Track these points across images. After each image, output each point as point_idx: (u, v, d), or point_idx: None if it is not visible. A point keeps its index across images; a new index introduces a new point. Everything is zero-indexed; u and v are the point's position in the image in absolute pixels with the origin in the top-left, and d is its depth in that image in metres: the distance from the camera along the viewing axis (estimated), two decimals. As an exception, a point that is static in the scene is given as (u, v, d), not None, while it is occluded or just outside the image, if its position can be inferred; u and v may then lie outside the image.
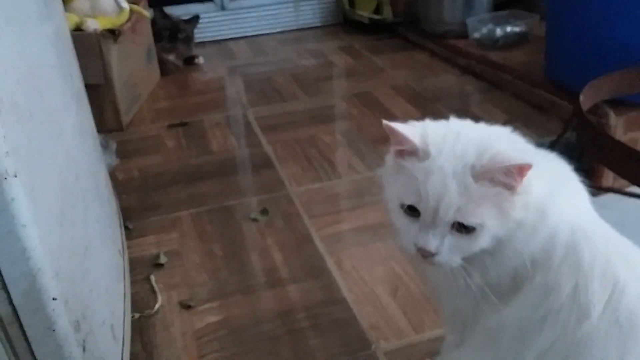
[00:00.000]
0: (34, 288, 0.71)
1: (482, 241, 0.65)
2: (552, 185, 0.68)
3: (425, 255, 0.66)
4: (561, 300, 0.67)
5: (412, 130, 0.68)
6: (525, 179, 0.63)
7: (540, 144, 1.60)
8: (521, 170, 0.62)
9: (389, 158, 0.71)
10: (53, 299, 0.73)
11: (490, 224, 0.64)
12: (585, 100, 1.50)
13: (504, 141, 0.68)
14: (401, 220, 0.68)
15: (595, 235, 0.69)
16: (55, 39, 1.06)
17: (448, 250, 0.66)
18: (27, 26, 0.86)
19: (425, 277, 0.81)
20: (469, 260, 0.68)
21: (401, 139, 0.67)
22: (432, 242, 0.65)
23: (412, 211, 0.67)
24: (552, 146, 1.66)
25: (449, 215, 0.64)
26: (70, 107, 1.03)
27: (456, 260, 0.67)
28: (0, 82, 0.66)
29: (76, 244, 0.87)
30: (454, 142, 0.66)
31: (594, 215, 0.74)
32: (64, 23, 1.27)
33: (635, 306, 0.64)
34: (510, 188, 0.63)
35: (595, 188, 1.76)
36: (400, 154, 0.68)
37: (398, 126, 0.67)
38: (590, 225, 0.71)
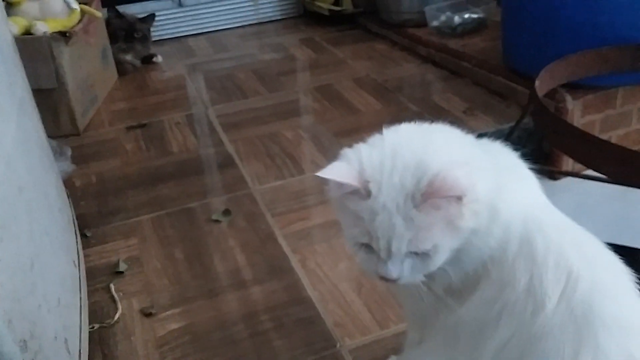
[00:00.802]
0: (-28, 310, 0.68)
1: (440, 258, 0.66)
2: (498, 180, 0.67)
3: (388, 281, 0.67)
4: (516, 293, 0.66)
5: (347, 169, 0.65)
6: (468, 189, 0.62)
7: (499, 131, 1.60)
8: (460, 198, 0.62)
9: (331, 190, 0.68)
10: (-6, 320, 0.70)
11: (443, 243, 0.65)
12: (541, 85, 1.51)
13: (442, 150, 0.66)
14: (359, 254, 0.69)
15: (547, 225, 0.69)
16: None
17: (409, 273, 0.67)
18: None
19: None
20: (430, 272, 0.68)
21: (339, 185, 0.65)
22: (392, 271, 0.66)
23: (367, 246, 0.66)
24: (510, 133, 1.66)
25: (402, 249, 0.64)
26: (10, 118, 0.98)
27: (419, 278, 0.68)
28: None
29: (20, 259, 0.84)
30: (391, 171, 0.64)
31: (546, 203, 0.74)
32: (4, 29, 1.22)
33: (589, 297, 0.64)
34: (454, 206, 0.63)
35: (555, 172, 1.78)
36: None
37: (332, 173, 0.64)
38: (542, 215, 0.71)
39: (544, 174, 1.45)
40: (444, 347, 0.75)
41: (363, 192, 0.64)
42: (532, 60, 1.80)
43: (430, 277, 0.69)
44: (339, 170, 0.65)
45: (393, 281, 0.67)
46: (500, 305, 0.67)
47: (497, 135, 1.72)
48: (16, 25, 1.92)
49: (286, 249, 1.40)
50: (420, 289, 0.70)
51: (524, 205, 0.70)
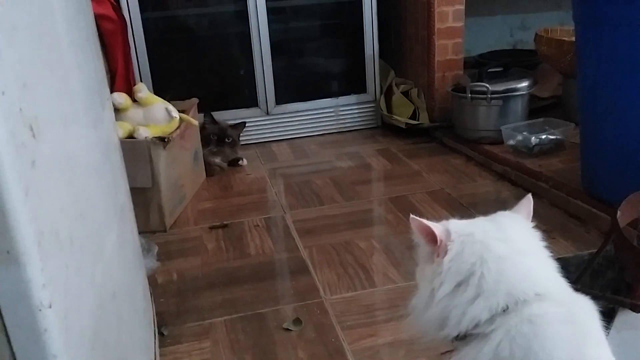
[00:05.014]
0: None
1: None
2: None
3: None
4: None
5: (437, 225, 0.85)
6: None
7: (577, 257, 1.56)
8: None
9: (414, 238, 0.88)
10: None
11: None
12: (623, 216, 1.48)
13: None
14: None
15: None
16: (105, 149, 1.12)
17: None
18: (78, 137, 0.91)
19: None
20: None
21: (421, 229, 0.86)
22: None
23: None
24: (591, 260, 1.62)
25: None
26: (112, 225, 1.09)
27: None
28: (43, 212, 0.66)
29: (107, 365, 0.89)
30: None
31: None
32: (114, 136, 1.34)
33: None
34: None
35: (636, 305, 1.69)
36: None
37: (421, 221, 0.85)
38: None
39: (625, 306, 1.38)
40: None
41: (440, 248, 0.80)
42: (612, 187, 1.78)
43: None
44: (429, 222, 0.83)
45: None
46: None
47: (576, 260, 1.67)
48: (121, 129, 2.13)
49: (353, 365, 1.40)
50: None
51: None
